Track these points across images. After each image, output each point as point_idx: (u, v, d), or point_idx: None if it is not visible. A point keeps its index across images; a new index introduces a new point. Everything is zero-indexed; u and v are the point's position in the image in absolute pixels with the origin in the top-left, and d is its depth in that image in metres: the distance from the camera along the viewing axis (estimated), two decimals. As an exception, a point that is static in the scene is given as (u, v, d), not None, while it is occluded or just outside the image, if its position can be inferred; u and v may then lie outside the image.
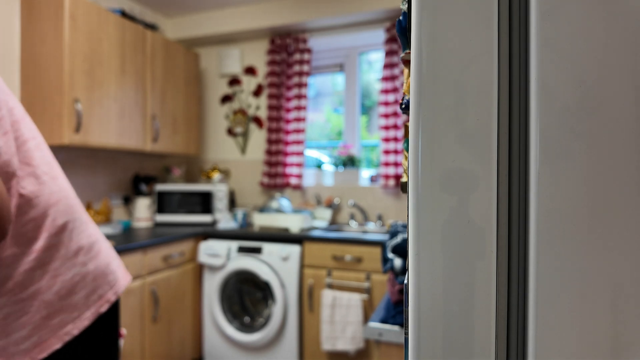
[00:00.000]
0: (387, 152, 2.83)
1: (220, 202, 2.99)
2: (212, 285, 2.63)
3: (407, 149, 0.54)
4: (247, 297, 2.72)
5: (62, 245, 0.95)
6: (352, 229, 2.84)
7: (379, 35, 2.94)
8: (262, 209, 2.86)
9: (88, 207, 2.54)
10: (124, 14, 2.65)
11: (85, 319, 0.98)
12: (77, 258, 0.98)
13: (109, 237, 2.34)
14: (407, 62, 0.57)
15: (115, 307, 1.09)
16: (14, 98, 0.92)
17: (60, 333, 0.94)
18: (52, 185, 0.96)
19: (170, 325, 2.46)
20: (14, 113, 0.89)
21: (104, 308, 1.02)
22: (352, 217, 2.95)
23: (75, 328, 0.96)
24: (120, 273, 1.10)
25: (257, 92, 3.27)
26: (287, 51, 3.14)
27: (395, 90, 2.81)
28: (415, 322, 0.39)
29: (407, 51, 0.57)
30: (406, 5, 0.56)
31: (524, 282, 0.38)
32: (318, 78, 3.33)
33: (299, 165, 3.08)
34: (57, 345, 0.93)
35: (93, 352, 1.03)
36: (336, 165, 3.09)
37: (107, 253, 1.08)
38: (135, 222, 2.87)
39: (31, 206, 0.90)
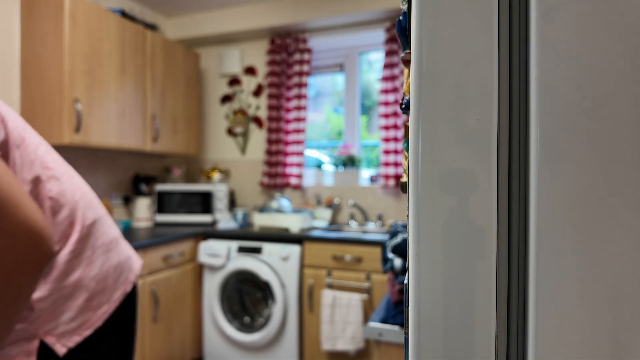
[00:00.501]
0: (387, 152, 2.83)
1: (220, 202, 2.99)
2: (212, 285, 2.63)
3: (407, 149, 0.54)
4: (247, 297, 2.72)
5: (92, 236, 1.07)
6: (352, 229, 2.84)
7: (379, 35, 2.94)
8: (262, 209, 2.86)
9: (88, 207, 2.54)
10: (124, 14, 2.65)
11: (116, 300, 1.11)
12: (104, 247, 1.10)
13: (109, 237, 2.34)
14: (407, 62, 0.57)
15: (134, 288, 1.22)
16: (10, 109, 0.98)
17: (99, 312, 1.07)
18: (71, 184, 1.05)
19: (170, 325, 2.47)
20: (18, 125, 0.95)
21: (129, 288, 1.15)
22: (352, 217, 2.95)
23: (110, 307, 1.09)
24: (134, 257, 1.24)
25: (257, 92, 3.27)
26: (287, 51, 3.14)
27: (395, 90, 2.81)
28: (415, 322, 0.39)
29: (407, 51, 0.57)
30: (406, 5, 0.56)
31: (524, 282, 0.38)
32: (318, 78, 3.34)
33: (299, 165, 3.08)
34: (99, 323, 1.06)
35: (119, 330, 1.16)
36: (336, 165, 3.09)
37: (123, 240, 1.21)
38: (135, 222, 2.87)
39: (60, 205, 0.99)
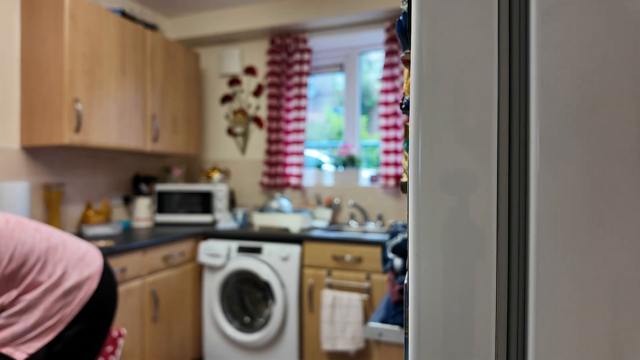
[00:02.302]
0: (387, 152, 2.83)
1: (220, 202, 2.99)
2: (212, 285, 2.63)
3: (407, 149, 0.54)
4: (247, 297, 2.72)
5: (39, 279, 1.22)
6: (352, 229, 2.84)
7: (379, 35, 2.94)
8: (262, 209, 2.86)
9: (88, 207, 2.54)
10: (124, 14, 2.65)
11: (78, 304, 1.23)
12: (53, 285, 1.24)
13: (109, 237, 2.34)
14: (407, 62, 0.57)
15: (103, 283, 1.33)
16: None
17: (61, 318, 1.19)
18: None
19: (170, 325, 2.47)
20: None
21: (93, 285, 1.28)
22: (352, 217, 2.95)
23: (73, 310, 1.22)
24: (93, 253, 1.35)
25: (257, 92, 3.27)
26: (287, 51, 3.14)
27: (395, 90, 2.81)
28: (415, 322, 0.39)
29: (407, 51, 0.57)
30: (406, 5, 0.56)
31: (524, 282, 0.38)
32: (318, 78, 3.33)
33: (299, 165, 3.08)
34: (61, 327, 1.18)
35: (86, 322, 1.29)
36: (336, 165, 3.09)
37: (75, 248, 1.32)
38: (135, 222, 2.87)
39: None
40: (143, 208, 2.88)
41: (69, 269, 1.24)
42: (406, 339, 0.41)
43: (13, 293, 1.15)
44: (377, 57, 3.12)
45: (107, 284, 1.34)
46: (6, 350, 1.13)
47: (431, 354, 0.39)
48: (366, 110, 3.22)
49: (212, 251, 2.60)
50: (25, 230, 1.20)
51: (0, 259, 1.11)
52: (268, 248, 2.52)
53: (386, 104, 2.83)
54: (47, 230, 1.28)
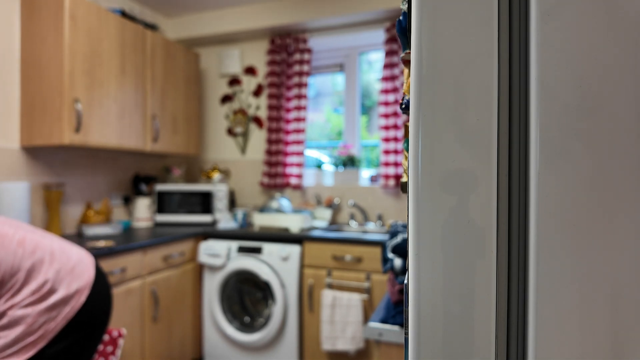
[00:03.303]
0: (387, 152, 2.83)
1: (220, 202, 2.99)
2: (212, 285, 2.63)
3: (407, 149, 0.54)
4: (247, 297, 2.72)
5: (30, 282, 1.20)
6: (352, 229, 2.84)
7: (379, 35, 2.94)
8: (262, 209, 2.86)
9: (88, 207, 2.54)
10: (124, 14, 2.65)
11: (62, 319, 1.19)
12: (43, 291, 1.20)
13: (109, 237, 2.34)
14: (407, 62, 0.57)
15: (96, 294, 1.30)
16: None
17: (44, 334, 1.15)
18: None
19: (170, 325, 2.47)
20: None
21: (82, 298, 1.24)
22: (352, 217, 2.95)
23: (57, 325, 1.18)
24: (85, 261, 1.32)
25: (257, 92, 3.27)
26: (287, 51, 3.14)
27: (395, 90, 2.81)
28: (415, 322, 0.39)
29: (407, 51, 0.57)
30: (406, 5, 0.56)
31: (524, 282, 0.38)
32: (318, 78, 3.33)
33: (299, 165, 3.08)
34: (42, 344, 1.15)
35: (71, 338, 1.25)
36: (336, 165, 3.09)
37: (66, 255, 1.29)
38: (135, 222, 2.87)
39: None
40: (143, 208, 2.88)
41: (55, 283, 1.18)
42: (406, 339, 0.41)
43: None
44: (377, 57, 3.12)
45: (99, 292, 1.29)
46: None
47: (431, 354, 0.39)
48: (366, 110, 3.22)
49: (212, 251, 2.60)
50: (7, 246, 1.15)
51: None
52: (268, 248, 2.52)
53: (386, 104, 2.83)
54: (32, 243, 1.21)
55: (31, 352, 1.14)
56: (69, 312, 1.20)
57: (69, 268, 1.24)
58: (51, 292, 1.18)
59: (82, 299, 1.23)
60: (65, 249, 1.30)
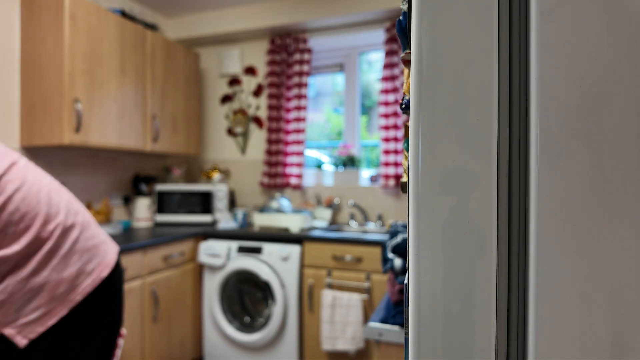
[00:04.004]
0: (387, 152, 2.83)
1: (220, 202, 2.99)
2: (212, 285, 2.63)
3: (407, 149, 0.54)
4: (247, 297, 2.72)
5: (63, 243, 1.16)
6: (352, 229, 2.84)
7: (379, 35, 2.94)
8: (262, 209, 2.86)
9: (88, 207, 2.54)
10: (124, 14, 2.65)
11: (84, 289, 1.16)
12: (74, 253, 1.18)
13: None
14: (407, 62, 0.57)
15: (113, 276, 1.26)
16: None
17: (65, 301, 1.12)
18: (36, 193, 1.15)
19: (170, 325, 2.47)
20: None
21: (104, 273, 1.21)
22: (352, 217, 2.95)
23: (77, 295, 1.14)
24: (108, 245, 1.29)
25: (257, 92, 3.27)
26: (287, 51, 3.14)
27: (395, 90, 2.81)
28: (415, 322, 0.39)
29: (407, 51, 0.57)
30: (406, 5, 0.56)
31: (524, 282, 0.38)
32: (318, 78, 3.33)
33: (299, 165, 3.08)
34: (64, 312, 1.11)
35: (96, 318, 1.21)
36: (336, 165, 3.09)
37: (95, 231, 1.28)
38: (135, 222, 2.87)
39: (22, 214, 1.09)
40: (143, 208, 2.88)
41: (83, 254, 1.19)
42: (406, 339, 0.41)
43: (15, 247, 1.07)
44: (377, 57, 3.12)
45: (119, 274, 1.28)
46: (7, 332, 1.06)
47: (431, 354, 0.39)
48: (366, 110, 3.22)
49: (212, 251, 2.60)
50: (59, 196, 1.18)
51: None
52: (268, 248, 2.52)
53: (386, 104, 2.83)
54: (75, 206, 1.23)
55: (53, 319, 1.11)
56: (89, 285, 1.18)
57: (99, 241, 1.26)
58: (76, 260, 1.18)
59: (103, 273, 1.22)
60: (96, 225, 1.32)
